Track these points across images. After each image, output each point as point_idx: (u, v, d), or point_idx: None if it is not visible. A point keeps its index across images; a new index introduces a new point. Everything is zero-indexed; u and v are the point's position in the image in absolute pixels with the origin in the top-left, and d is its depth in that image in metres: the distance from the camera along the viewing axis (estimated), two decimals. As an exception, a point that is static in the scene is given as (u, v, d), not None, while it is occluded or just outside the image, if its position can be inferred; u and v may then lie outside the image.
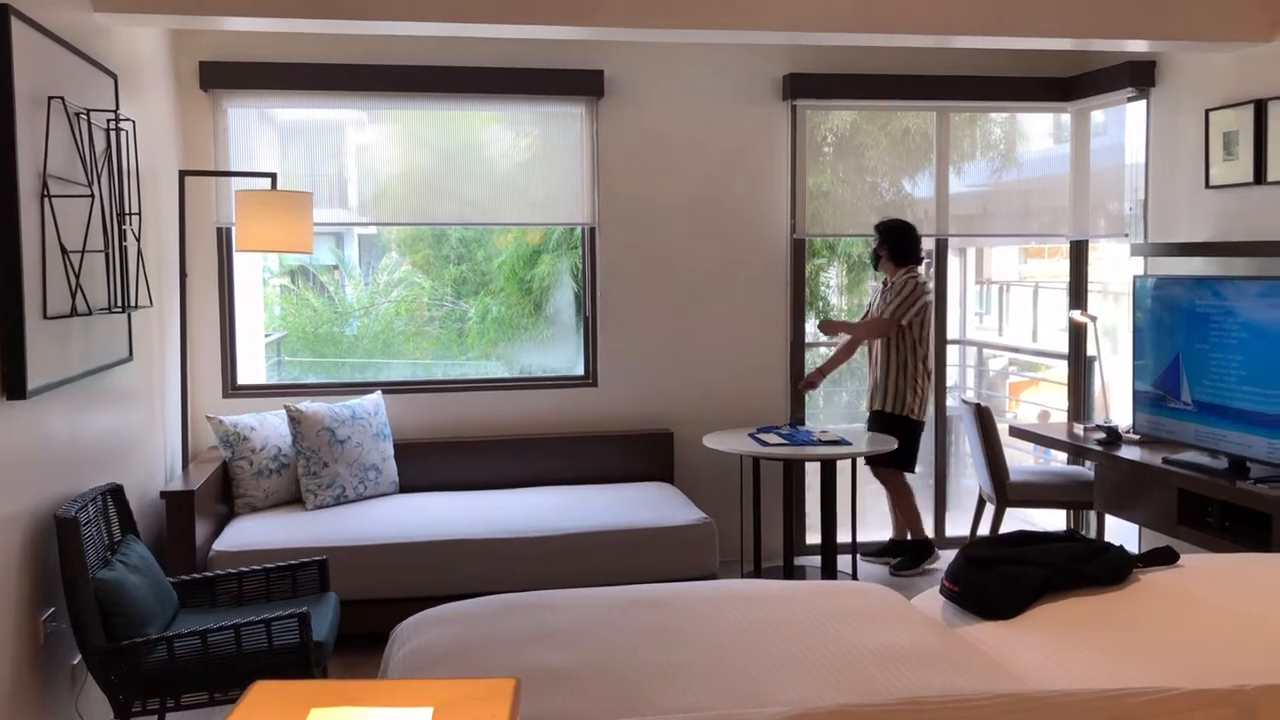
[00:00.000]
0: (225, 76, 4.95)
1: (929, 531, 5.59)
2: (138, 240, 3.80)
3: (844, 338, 5.47)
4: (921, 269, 5.34)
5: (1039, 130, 6.10)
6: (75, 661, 3.25)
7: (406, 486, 5.04)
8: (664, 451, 5.36)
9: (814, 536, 5.43)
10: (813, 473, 5.31)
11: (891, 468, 5.29)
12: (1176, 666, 2.47)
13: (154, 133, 4.36)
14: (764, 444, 4.81)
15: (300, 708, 1.03)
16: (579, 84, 5.26)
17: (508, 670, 2.44)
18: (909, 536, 5.42)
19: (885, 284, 5.37)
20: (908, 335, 5.21)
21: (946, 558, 5.50)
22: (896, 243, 5.26)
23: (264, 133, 5.21)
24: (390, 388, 5.26)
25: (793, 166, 5.51)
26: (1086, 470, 5.32)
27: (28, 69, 2.89)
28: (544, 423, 5.39)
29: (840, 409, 7.27)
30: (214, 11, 3.84)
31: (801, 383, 5.52)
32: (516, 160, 5.44)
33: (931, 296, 5.31)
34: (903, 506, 5.40)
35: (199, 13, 3.83)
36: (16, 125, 2.80)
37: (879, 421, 5.29)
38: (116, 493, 3.49)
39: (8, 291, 2.81)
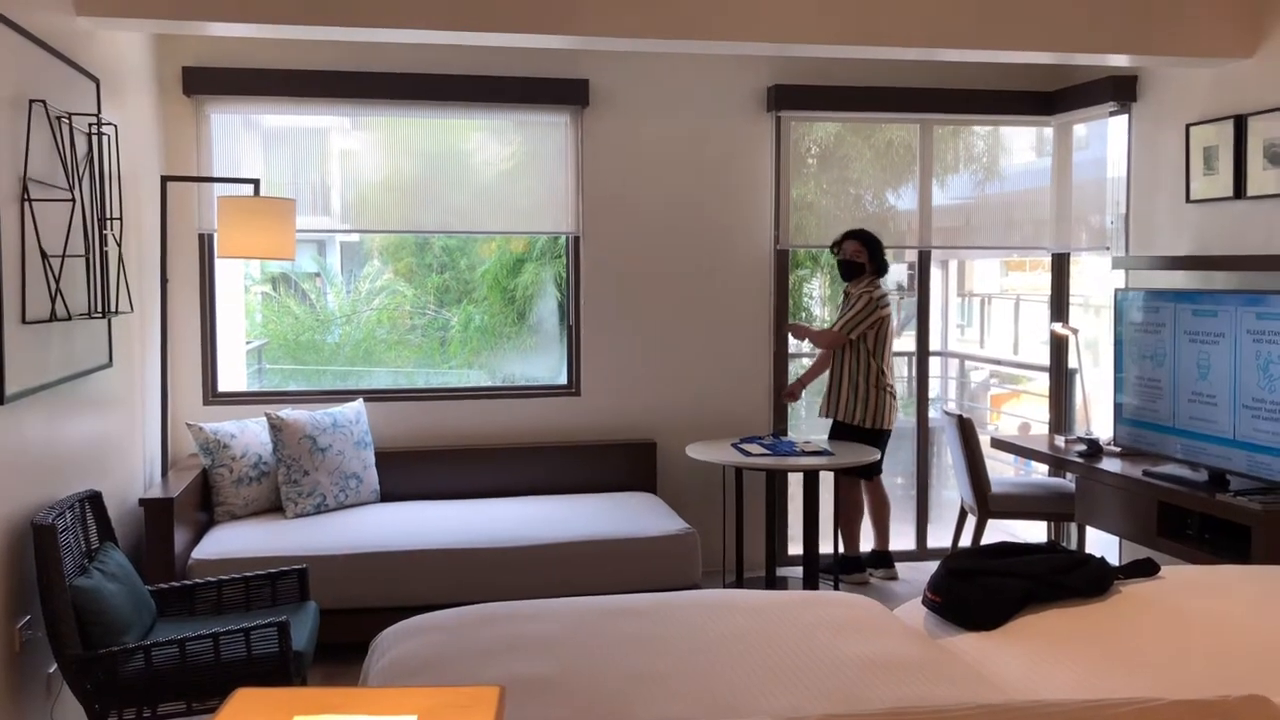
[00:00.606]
0: (208, 82, 4.93)
1: (880, 543, 5.57)
2: (119, 245, 3.78)
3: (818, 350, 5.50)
4: (883, 281, 5.35)
5: (1021, 144, 6.14)
6: (51, 670, 3.22)
7: (387, 495, 5.01)
8: (647, 461, 5.36)
9: (796, 547, 5.43)
10: (795, 483, 5.31)
11: (846, 476, 5.31)
12: (1159, 677, 2.48)
13: (136, 137, 4.34)
14: (747, 454, 4.81)
15: (283, 715, 1.02)
16: (564, 93, 5.26)
17: (488, 680, 2.43)
18: (838, 549, 5.41)
19: (846, 294, 5.39)
20: (860, 348, 5.23)
21: (914, 570, 5.51)
22: (875, 252, 5.27)
23: (247, 139, 5.18)
24: (372, 396, 5.24)
25: (776, 178, 5.53)
26: (1067, 482, 5.34)
27: (9, 71, 2.87)
28: (527, 432, 5.38)
29: (822, 420, 7.28)
30: (197, 17, 3.83)
31: (784, 393, 5.54)
32: (500, 168, 5.44)
33: (890, 310, 5.29)
34: (847, 516, 5.41)
35: (182, 17, 3.81)
36: (-3, 128, 2.79)
37: (833, 428, 5.33)
38: (95, 500, 3.46)
39: (-14, 295, 2.79)
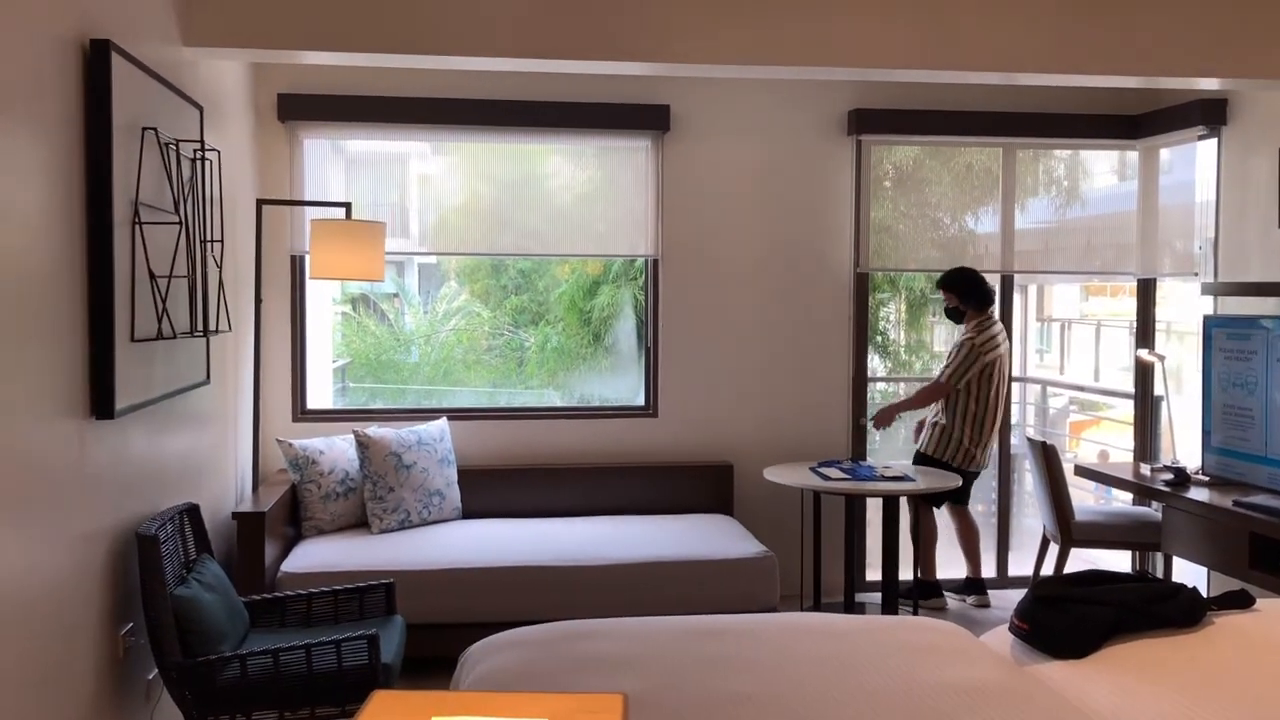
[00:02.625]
0: (301, 108, 5.08)
1: (974, 571, 5.54)
2: (219, 267, 3.91)
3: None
4: (993, 311, 5.32)
5: (1102, 167, 6.06)
6: (151, 676, 3.33)
7: (469, 512, 5.09)
8: (724, 483, 5.37)
9: (874, 573, 5.39)
10: (874, 508, 5.28)
11: (922, 502, 5.28)
12: (1256, 711, 2.44)
13: (234, 162, 4.49)
14: (826, 478, 4.80)
15: (420, 716, 1.07)
16: (646, 119, 5.33)
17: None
18: (918, 574, 5.35)
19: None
20: (962, 393, 5.21)
21: (995, 598, 5.45)
22: (966, 291, 5.26)
23: (334, 163, 5.33)
24: (454, 414, 5.32)
25: (856, 201, 5.53)
26: (1153, 511, 5.24)
27: (125, 100, 3.00)
28: (605, 452, 5.42)
29: (898, 446, 7.23)
30: (293, 46, 3.95)
31: (875, 417, 5.44)
32: (579, 192, 5.51)
33: (999, 352, 5.24)
34: (924, 543, 5.37)
35: (279, 47, 3.93)
36: (113, 154, 2.91)
37: (916, 457, 5.32)
38: (193, 512, 3.58)
39: (100, 314, 2.91)
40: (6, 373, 2.43)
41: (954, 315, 5.35)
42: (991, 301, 5.34)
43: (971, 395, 5.20)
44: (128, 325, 3.06)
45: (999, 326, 5.34)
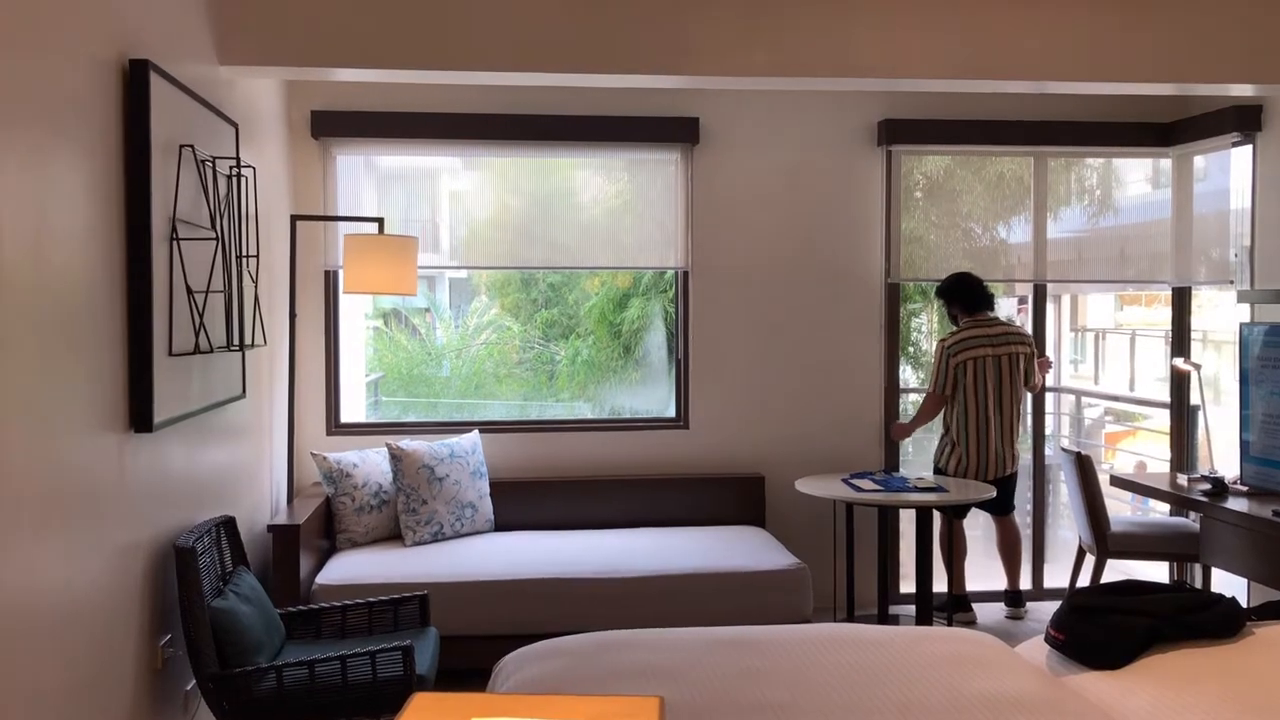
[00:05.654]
0: (334, 125, 5.14)
1: (1014, 583, 5.49)
2: (254, 282, 3.96)
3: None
4: (994, 314, 5.26)
5: (1135, 175, 6.02)
6: (189, 687, 3.36)
7: (501, 525, 5.11)
8: (756, 495, 5.36)
9: (907, 585, 5.36)
10: (907, 519, 5.25)
11: (950, 514, 5.25)
12: (1297, 722, 2.41)
13: (269, 178, 4.55)
14: (858, 490, 4.78)
15: (460, 716, 1.07)
16: (675, 131, 5.35)
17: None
18: (949, 589, 5.31)
19: None
20: (953, 399, 5.18)
21: (1030, 609, 5.40)
22: (950, 296, 5.27)
23: (367, 179, 5.38)
24: (486, 427, 5.35)
25: (887, 211, 5.52)
26: (1190, 521, 5.18)
27: (163, 119, 3.06)
28: (636, 464, 5.43)
29: (932, 457, 7.19)
30: (326, 64, 4.00)
31: (894, 428, 5.49)
32: (609, 205, 5.53)
33: (974, 354, 5.12)
34: (954, 556, 5.33)
35: (312, 64, 3.99)
36: (152, 171, 2.96)
37: (937, 473, 5.32)
38: (229, 524, 3.62)
39: (139, 329, 2.95)
40: (48, 387, 2.47)
41: (954, 321, 5.33)
42: (978, 306, 5.21)
43: (957, 400, 5.17)
44: (166, 340, 3.11)
45: (988, 330, 5.16)
